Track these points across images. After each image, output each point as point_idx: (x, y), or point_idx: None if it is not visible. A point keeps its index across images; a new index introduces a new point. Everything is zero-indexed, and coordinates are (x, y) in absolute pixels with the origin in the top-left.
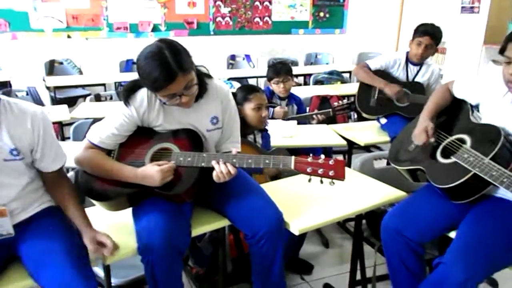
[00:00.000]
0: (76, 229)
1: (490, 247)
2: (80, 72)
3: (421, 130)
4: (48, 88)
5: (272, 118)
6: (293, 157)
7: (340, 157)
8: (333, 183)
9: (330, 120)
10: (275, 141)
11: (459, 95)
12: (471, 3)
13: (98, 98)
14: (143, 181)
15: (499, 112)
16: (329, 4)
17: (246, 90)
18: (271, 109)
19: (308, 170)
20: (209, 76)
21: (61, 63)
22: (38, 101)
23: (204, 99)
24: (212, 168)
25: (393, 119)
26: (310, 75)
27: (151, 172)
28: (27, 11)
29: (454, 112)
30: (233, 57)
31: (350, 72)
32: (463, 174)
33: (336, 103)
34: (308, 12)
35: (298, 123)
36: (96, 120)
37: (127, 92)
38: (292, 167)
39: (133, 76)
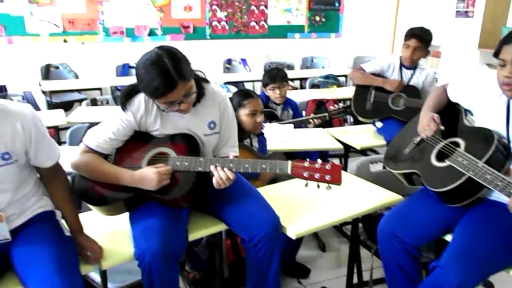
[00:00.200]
0: (69, 235)
1: (486, 250)
2: (76, 77)
3: (428, 119)
4: (44, 92)
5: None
6: (290, 162)
7: (336, 161)
8: (330, 187)
9: (326, 123)
10: (271, 145)
11: (453, 99)
12: (465, 7)
13: (94, 102)
14: (140, 183)
15: (492, 115)
16: (324, 8)
17: (241, 96)
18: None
19: (305, 175)
20: (206, 81)
21: (57, 67)
22: (34, 106)
23: (201, 104)
24: (209, 173)
25: (389, 123)
26: (306, 79)
27: (148, 174)
28: (23, 15)
29: (448, 115)
30: (229, 61)
31: (346, 76)
32: (457, 177)
33: (332, 107)
34: (304, 16)
35: (295, 127)
36: (92, 124)
37: (124, 97)
38: (289, 172)
39: (130, 80)
